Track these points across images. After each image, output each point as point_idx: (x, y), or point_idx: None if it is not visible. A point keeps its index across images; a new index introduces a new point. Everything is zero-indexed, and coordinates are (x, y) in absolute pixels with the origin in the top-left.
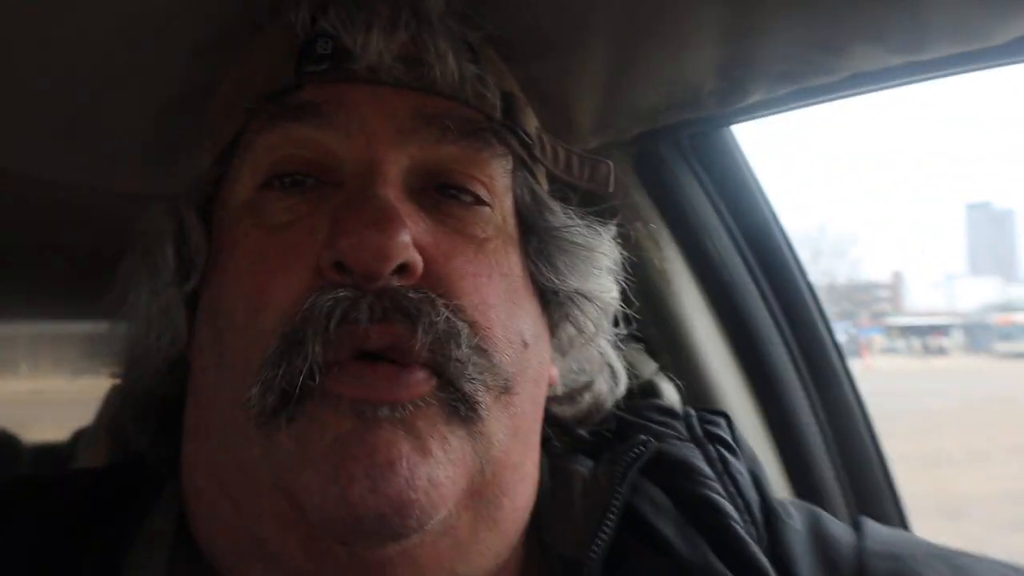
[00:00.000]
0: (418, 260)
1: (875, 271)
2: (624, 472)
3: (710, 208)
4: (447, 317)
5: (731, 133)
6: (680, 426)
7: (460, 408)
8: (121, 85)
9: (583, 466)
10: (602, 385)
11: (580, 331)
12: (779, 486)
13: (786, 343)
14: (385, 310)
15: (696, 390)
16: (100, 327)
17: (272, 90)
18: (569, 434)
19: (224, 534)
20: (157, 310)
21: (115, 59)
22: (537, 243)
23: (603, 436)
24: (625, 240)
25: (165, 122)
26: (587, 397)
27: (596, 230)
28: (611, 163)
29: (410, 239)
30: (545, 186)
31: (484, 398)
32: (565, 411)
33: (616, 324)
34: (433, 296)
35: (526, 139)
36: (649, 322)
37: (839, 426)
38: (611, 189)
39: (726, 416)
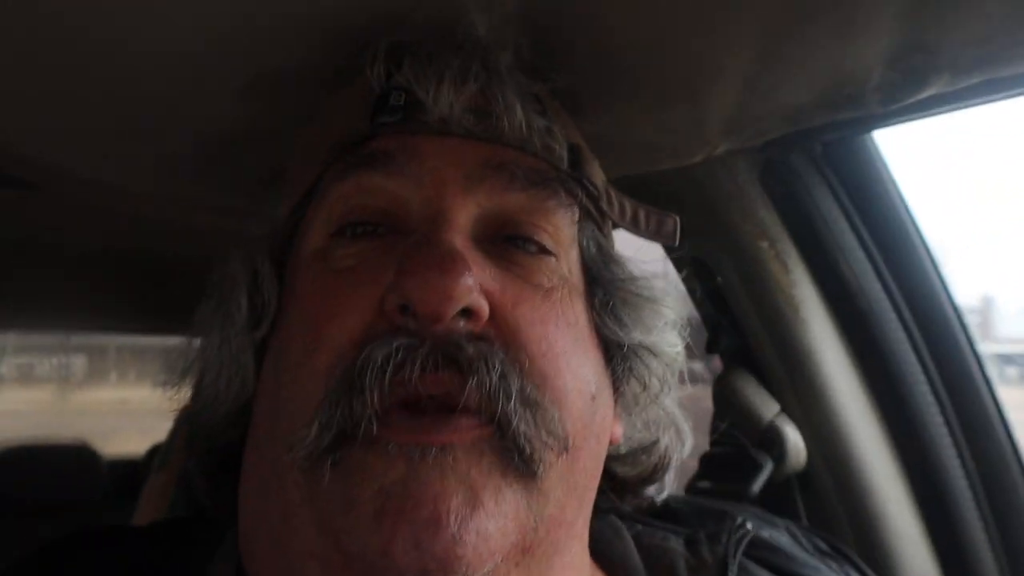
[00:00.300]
0: (483, 305)
1: (962, 293)
2: (735, 551)
3: (846, 226)
4: (502, 372)
5: (872, 140)
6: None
7: (515, 458)
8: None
9: (676, 544)
10: (667, 445)
11: (644, 387)
12: (921, 557)
13: (932, 384)
14: (437, 363)
15: (823, 436)
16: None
17: (347, 140)
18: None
19: None
20: (228, 356)
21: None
22: (602, 295)
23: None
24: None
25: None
26: (652, 457)
27: (662, 284)
28: (677, 218)
29: (475, 283)
30: (612, 239)
31: (543, 455)
32: (627, 471)
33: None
34: (492, 349)
35: (592, 190)
36: (771, 356)
37: (993, 486)
38: (677, 243)
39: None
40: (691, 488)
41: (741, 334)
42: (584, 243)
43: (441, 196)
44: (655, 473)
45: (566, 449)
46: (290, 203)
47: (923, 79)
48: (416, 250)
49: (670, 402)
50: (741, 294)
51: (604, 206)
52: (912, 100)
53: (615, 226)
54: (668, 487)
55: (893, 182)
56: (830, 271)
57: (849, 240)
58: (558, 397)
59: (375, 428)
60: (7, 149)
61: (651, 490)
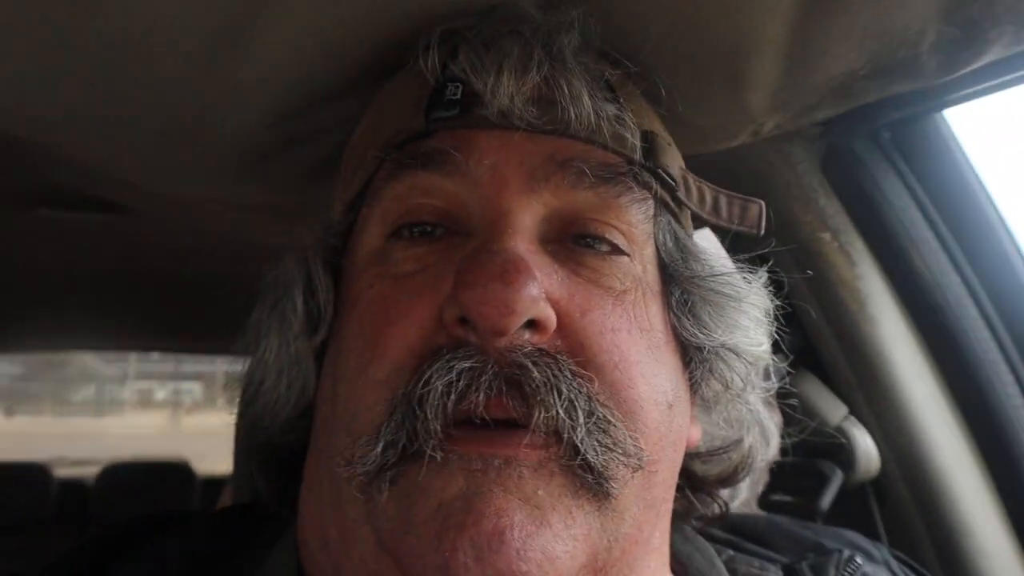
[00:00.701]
0: (550, 315)
1: None
2: None
3: (918, 215)
4: (570, 399)
5: (943, 121)
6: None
7: (588, 479)
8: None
9: (775, 574)
10: (751, 444)
11: (727, 387)
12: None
13: (1020, 384)
14: (501, 389)
15: (897, 441)
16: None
17: (401, 138)
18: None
19: None
20: (287, 361)
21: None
22: (680, 294)
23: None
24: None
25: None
26: (733, 456)
27: (746, 277)
28: (763, 203)
29: (540, 293)
30: (690, 230)
31: (617, 472)
32: (707, 470)
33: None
34: (560, 371)
35: (669, 181)
36: (837, 355)
37: None
38: (762, 232)
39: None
40: (763, 501)
41: (805, 333)
42: (660, 238)
43: (502, 197)
44: (737, 473)
45: (641, 466)
46: (343, 203)
47: (983, 35)
48: (475, 259)
49: (755, 399)
50: (803, 290)
51: (682, 195)
52: (976, 64)
53: (695, 217)
54: (745, 491)
55: (970, 166)
56: (900, 263)
57: (921, 230)
58: (632, 411)
59: (433, 443)
60: (90, 170)
61: (726, 493)
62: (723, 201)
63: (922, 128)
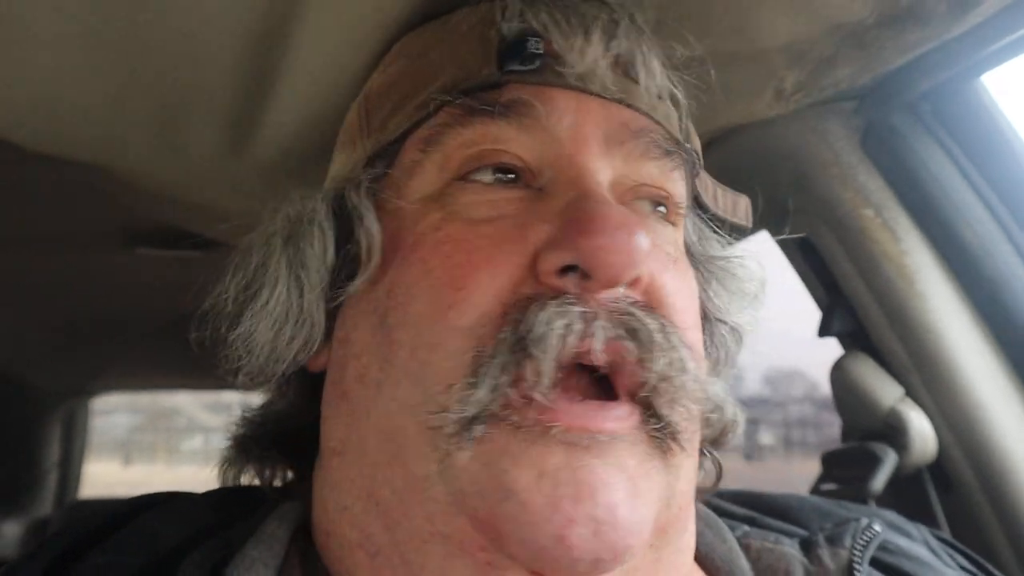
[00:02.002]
0: (648, 270)
1: None
2: (861, 556)
3: (963, 184)
4: (675, 346)
5: (982, 87)
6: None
7: (664, 441)
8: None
9: (791, 547)
10: (732, 412)
11: (727, 360)
12: None
13: None
14: (619, 336)
15: (956, 421)
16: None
17: (468, 84)
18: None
19: (363, 558)
20: (297, 310)
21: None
22: (700, 269)
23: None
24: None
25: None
26: (719, 420)
27: (748, 261)
28: (748, 200)
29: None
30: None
31: (686, 426)
32: (705, 433)
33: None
34: (667, 323)
35: (697, 164)
36: (888, 334)
37: None
38: (750, 224)
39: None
40: (814, 491)
41: (855, 314)
42: (686, 219)
43: (583, 155)
44: (724, 434)
45: (698, 421)
46: (374, 144)
47: None
48: (588, 209)
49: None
50: (849, 269)
51: (697, 182)
52: (985, 7)
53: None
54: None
55: (1014, 131)
56: (948, 236)
57: (968, 200)
58: (700, 368)
59: (526, 407)
60: (179, 204)
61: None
62: (719, 193)
63: (961, 97)
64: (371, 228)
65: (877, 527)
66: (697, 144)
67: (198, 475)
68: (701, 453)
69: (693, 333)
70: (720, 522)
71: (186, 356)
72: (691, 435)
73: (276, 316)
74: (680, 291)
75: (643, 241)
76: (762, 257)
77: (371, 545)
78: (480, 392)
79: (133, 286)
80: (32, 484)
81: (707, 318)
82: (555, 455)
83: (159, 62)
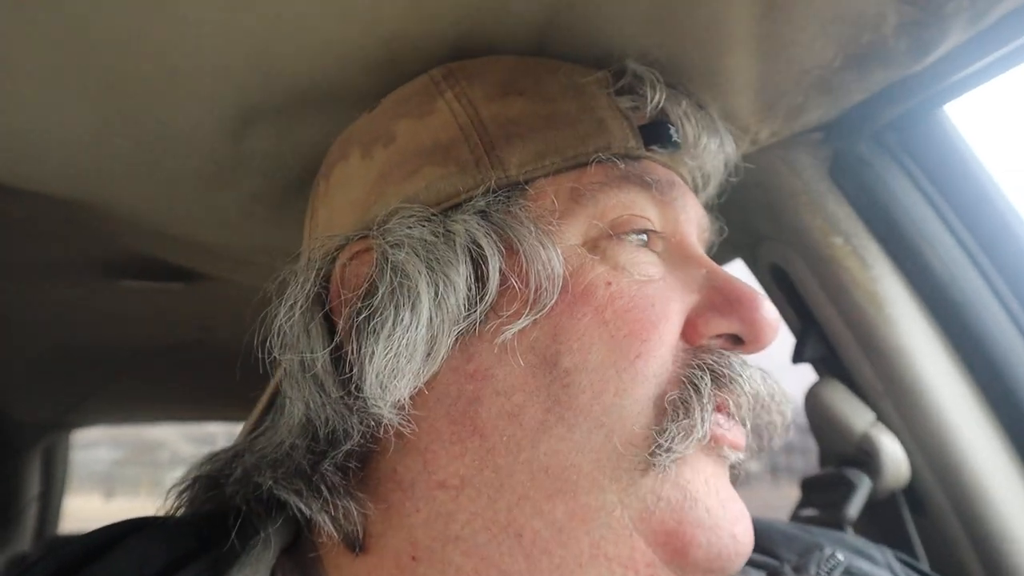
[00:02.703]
0: None
1: None
2: None
3: (930, 212)
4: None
5: (945, 117)
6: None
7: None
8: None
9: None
10: None
11: None
12: None
13: None
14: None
15: (929, 446)
16: None
17: (614, 151)
18: None
19: None
20: (417, 340)
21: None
22: None
23: None
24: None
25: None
26: None
27: None
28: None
29: None
30: None
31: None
32: None
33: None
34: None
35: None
36: (860, 360)
37: None
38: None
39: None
40: (794, 517)
41: (827, 340)
42: None
43: (691, 234)
44: None
45: None
46: (501, 177)
47: (940, 10)
48: (736, 287)
49: None
50: (820, 296)
51: None
52: (945, 44)
53: None
54: None
55: (976, 160)
56: (916, 263)
57: (934, 227)
58: None
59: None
60: (163, 235)
61: None
62: None
63: (924, 126)
64: (552, 267)
65: (840, 555)
66: None
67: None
68: None
69: None
70: None
71: (169, 388)
72: None
73: (408, 341)
74: None
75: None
76: None
77: (493, 571)
78: (697, 427)
79: (115, 317)
80: (11, 519)
81: None
82: (710, 465)
83: (141, 97)
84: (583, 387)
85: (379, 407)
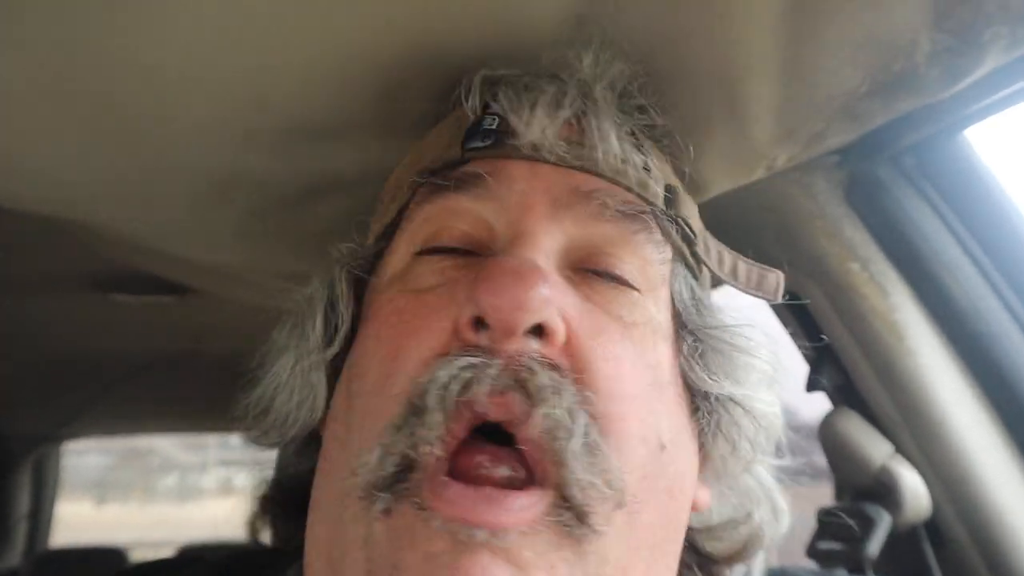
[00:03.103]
0: (559, 324)
1: None
2: None
3: (951, 239)
4: (570, 408)
5: (966, 141)
6: None
7: (573, 528)
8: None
9: None
10: (760, 520)
11: (734, 448)
12: None
13: None
14: (507, 386)
15: (949, 478)
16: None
17: (437, 165)
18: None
19: None
20: (300, 376)
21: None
22: (692, 341)
23: None
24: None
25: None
26: (743, 531)
27: (758, 335)
28: (781, 274)
29: (552, 296)
30: (707, 288)
31: (599, 507)
32: (715, 546)
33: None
34: (564, 381)
35: (688, 233)
36: (878, 390)
37: None
38: (779, 300)
39: None
40: (811, 550)
41: (843, 369)
42: (676, 286)
43: (526, 219)
44: (746, 550)
45: (623, 502)
46: (377, 231)
47: (977, 39)
48: (493, 261)
49: (764, 473)
50: (836, 324)
51: (700, 251)
52: (978, 72)
53: (714, 279)
54: (760, 570)
55: (997, 184)
56: (936, 291)
57: (954, 254)
58: (619, 442)
59: (437, 479)
60: (154, 251)
61: (739, 573)
62: (741, 267)
63: (945, 150)
64: (339, 304)
65: None
66: (693, 215)
67: (173, 513)
68: (714, 570)
69: (630, 404)
70: None
71: (160, 400)
72: (616, 518)
73: (287, 382)
74: (621, 357)
75: (540, 289)
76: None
77: None
78: (374, 455)
79: (107, 330)
80: (1, 533)
81: (705, 395)
82: (443, 541)
83: (132, 117)
84: (356, 408)
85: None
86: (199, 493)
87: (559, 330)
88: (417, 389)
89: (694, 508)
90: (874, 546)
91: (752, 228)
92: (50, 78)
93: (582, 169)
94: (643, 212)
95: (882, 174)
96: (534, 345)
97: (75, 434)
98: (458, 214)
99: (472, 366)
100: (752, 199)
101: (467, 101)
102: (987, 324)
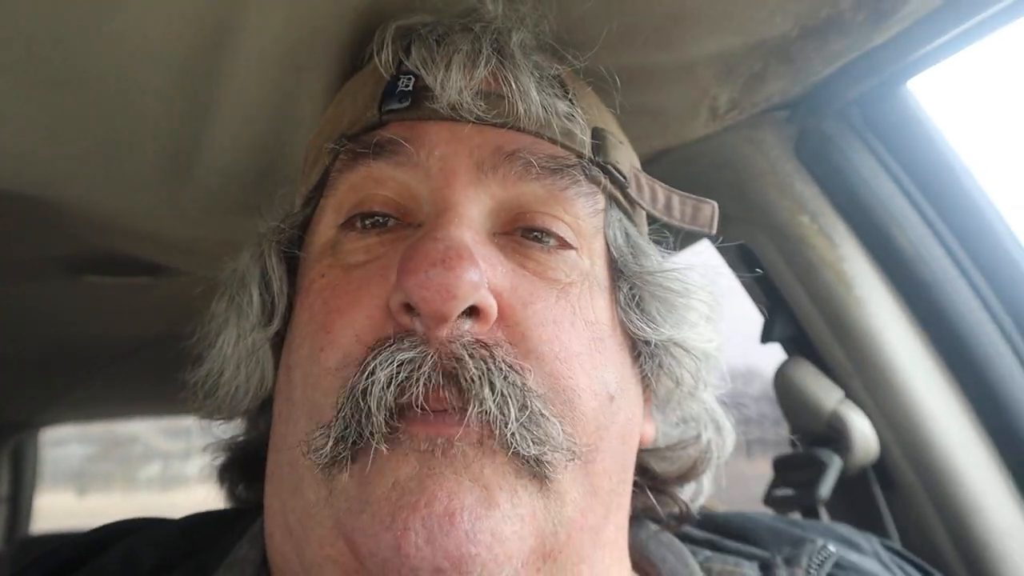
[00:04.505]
0: (491, 303)
1: None
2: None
3: (896, 190)
4: (503, 394)
5: (909, 93)
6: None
7: (530, 464)
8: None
9: (750, 570)
10: (708, 440)
11: (677, 384)
12: None
13: (1017, 353)
14: (439, 384)
15: (898, 422)
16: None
17: (355, 129)
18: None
19: None
20: (244, 352)
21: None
22: (628, 289)
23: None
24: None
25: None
26: (691, 452)
27: (694, 275)
28: (715, 204)
29: (481, 279)
30: (644, 228)
31: (553, 458)
32: (666, 467)
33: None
34: (495, 363)
35: (619, 177)
36: (829, 339)
37: None
38: (714, 231)
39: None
40: (768, 497)
41: (795, 320)
42: (610, 233)
43: (450, 187)
44: (695, 469)
45: (576, 455)
46: (301, 196)
47: None
48: (417, 246)
49: (709, 397)
50: (788, 276)
51: (633, 193)
52: (902, 13)
53: (650, 217)
54: (707, 487)
55: (941, 136)
56: (883, 241)
57: (901, 205)
58: (569, 399)
59: (387, 425)
60: (125, 231)
61: (689, 492)
62: (676, 200)
63: (889, 102)
64: (273, 282)
65: (832, 547)
66: (624, 157)
67: (156, 502)
68: (666, 489)
69: (574, 363)
70: (682, 547)
71: (139, 383)
72: (571, 468)
73: (232, 357)
74: (558, 320)
75: (468, 275)
76: (712, 266)
77: (289, 570)
78: (329, 443)
79: (82, 313)
80: None
81: (646, 341)
82: (410, 464)
83: (92, 92)
84: (295, 381)
85: (232, 410)
86: (183, 481)
87: (490, 308)
88: (356, 382)
89: (642, 444)
90: (825, 489)
91: (705, 185)
92: (7, 55)
93: (504, 126)
94: (570, 166)
95: (829, 128)
96: (467, 327)
97: (53, 420)
98: (381, 182)
99: (408, 362)
100: (704, 157)
101: (380, 57)
102: (932, 272)
